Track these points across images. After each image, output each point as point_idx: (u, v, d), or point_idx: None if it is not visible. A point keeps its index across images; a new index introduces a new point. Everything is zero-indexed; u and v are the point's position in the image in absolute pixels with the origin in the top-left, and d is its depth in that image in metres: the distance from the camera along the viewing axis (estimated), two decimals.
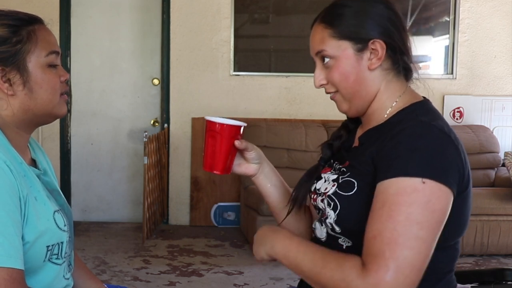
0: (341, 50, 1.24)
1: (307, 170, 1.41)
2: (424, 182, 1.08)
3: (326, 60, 1.26)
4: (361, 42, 1.23)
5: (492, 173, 4.62)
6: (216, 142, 1.33)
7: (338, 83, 1.26)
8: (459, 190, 1.14)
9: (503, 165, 4.48)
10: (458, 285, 1.32)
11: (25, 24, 1.24)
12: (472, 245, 4.03)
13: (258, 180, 1.44)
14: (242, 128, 1.37)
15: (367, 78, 1.25)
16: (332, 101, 1.35)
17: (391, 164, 1.12)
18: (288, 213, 1.41)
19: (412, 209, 1.07)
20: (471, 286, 1.54)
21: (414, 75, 1.31)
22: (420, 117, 1.19)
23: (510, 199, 4.03)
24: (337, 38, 1.24)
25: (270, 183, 1.44)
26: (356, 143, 1.33)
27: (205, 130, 1.36)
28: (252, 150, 1.40)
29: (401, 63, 1.27)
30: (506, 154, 4.35)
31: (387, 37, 1.23)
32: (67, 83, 1.31)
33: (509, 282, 1.48)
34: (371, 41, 1.23)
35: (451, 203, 1.12)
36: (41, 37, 1.25)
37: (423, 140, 1.12)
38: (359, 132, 1.34)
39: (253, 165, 1.41)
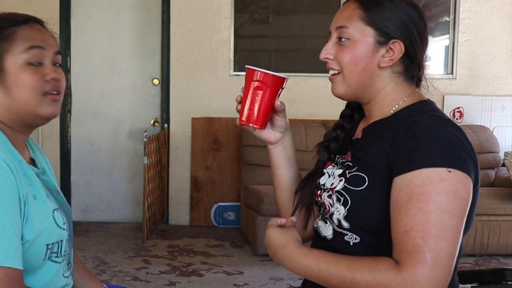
0: (363, 35, 1.23)
1: (307, 174, 1.38)
2: (449, 172, 1.08)
3: (343, 39, 1.24)
4: (384, 36, 1.23)
5: (492, 173, 4.62)
6: (261, 94, 1.27)
7: (346, 64, 1.24)
8: (473, 183, 1.15)
9: (503, 165, 4.48)
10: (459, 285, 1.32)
11: (11, 25, 1.23)
12: (472, 245, 4.03)
13: (275, 149, 1.40)
14: (285, 82, 1.29)
15: (374, 73, 1.25)
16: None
17: (412, 156, 1.11)
18: (293, 214, 1.39)
19: (441, 198, 1.07)
20: (471, 286, 1.54)
21: (423, 83, 1.31)
22: (431, 111, 1.21)
23: (510, 199, 4.03)
24: (365, 22, 1.23)
25: (286, 157, 1.41)
26: (358, 135, 1.33)
27: (246, 80, 1.29)
28: (284, 117, 1.36)
29: (415, 73, 1.27)
30: (506, 154, 4.35)
31: (410, 44, 1.24)
32: (60, 81, 1.26)
33: (509, 282, 1.48)
34: (393, 40, 1.23)
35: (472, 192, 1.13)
36: (21, 36, 1.23)
37: (441, 132, 1.13)
38: (362, 125, 1.34)
39: (277, 133, 1.37)
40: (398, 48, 1.23)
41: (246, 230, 4.43)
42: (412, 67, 1.26)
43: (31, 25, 1.26)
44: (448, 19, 4.99)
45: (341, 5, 1.31)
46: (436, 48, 5.10)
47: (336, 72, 1.27)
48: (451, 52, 4.99)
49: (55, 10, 4.73)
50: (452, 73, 4.99)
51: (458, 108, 4.95)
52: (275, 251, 1.23)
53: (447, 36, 5.00)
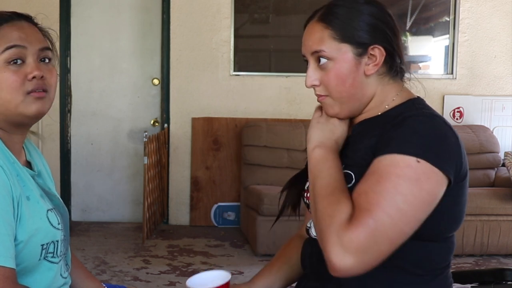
0: (340, 53, 1.21)
1: (294, 175, 1.37)
2: (418, 161, 1.09)
3: (323, 61, 1.22)
4: (361, 47, 1.21)
5: (492, 173, 4.62)
6: None
7: (333, 86, 1.23)
8: (456, 179, 1.14)
9: (503, 165, 4.48)
10: (458, 285, 1.32)
11: None
12: (472, 245, 4.03)
13: None
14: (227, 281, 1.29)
15: (363, 83, 1.24)
16: None
17: (390, 142, 1.13)
18: (277, 218, 1.39)
19: (400, 180, 1.08)
20: (471, 286, 1.54)
21: (406, 75, 1.31)
22: (422, 109, 1.21)
23: (510, 199, 4.03)
24: (338, 40, 1.21)
25: None
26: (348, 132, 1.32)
27: None
28: None
29: (398, 68, 1.27)
30: (506, 154, 4.35)
31: (387, 43, 1.23)
32: (46, 78, 1.23)
33: (509, 282, 1.48)
34: (371, 46, 1.22)
35: (443, 190, 1.12)
36: (0, 36, 1.20)
37: (426, 126, 1.14)
38: (351, 123, 1.33)
39: None
40: (378, 52, 1.22)
41: (246, 230, 4.43)
42: (395, 63, 1.25)
43: (12, 24, 1.22)
44: (448, 19, 4.99)
45: (304, 28, 1.28)
46: (436, 48, 5.11)
47: (323, 94, 1.26)
48: (451, 52, 4.99)
49: (55, 10, 4.73)
50: (452, 73, 4.99)
51: (458, 108, 4.95)
52: None
53: (447, 36, 5.00)
